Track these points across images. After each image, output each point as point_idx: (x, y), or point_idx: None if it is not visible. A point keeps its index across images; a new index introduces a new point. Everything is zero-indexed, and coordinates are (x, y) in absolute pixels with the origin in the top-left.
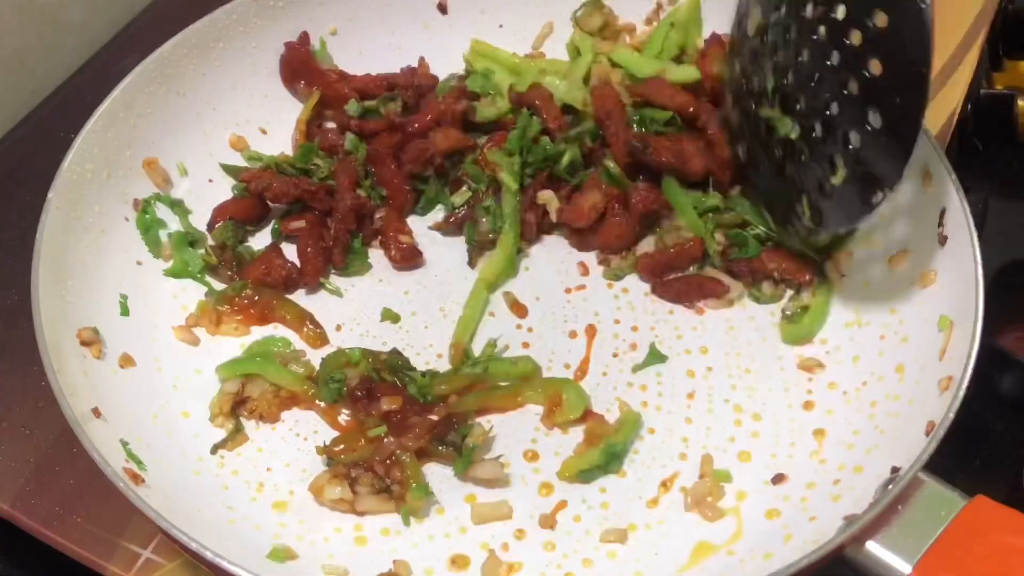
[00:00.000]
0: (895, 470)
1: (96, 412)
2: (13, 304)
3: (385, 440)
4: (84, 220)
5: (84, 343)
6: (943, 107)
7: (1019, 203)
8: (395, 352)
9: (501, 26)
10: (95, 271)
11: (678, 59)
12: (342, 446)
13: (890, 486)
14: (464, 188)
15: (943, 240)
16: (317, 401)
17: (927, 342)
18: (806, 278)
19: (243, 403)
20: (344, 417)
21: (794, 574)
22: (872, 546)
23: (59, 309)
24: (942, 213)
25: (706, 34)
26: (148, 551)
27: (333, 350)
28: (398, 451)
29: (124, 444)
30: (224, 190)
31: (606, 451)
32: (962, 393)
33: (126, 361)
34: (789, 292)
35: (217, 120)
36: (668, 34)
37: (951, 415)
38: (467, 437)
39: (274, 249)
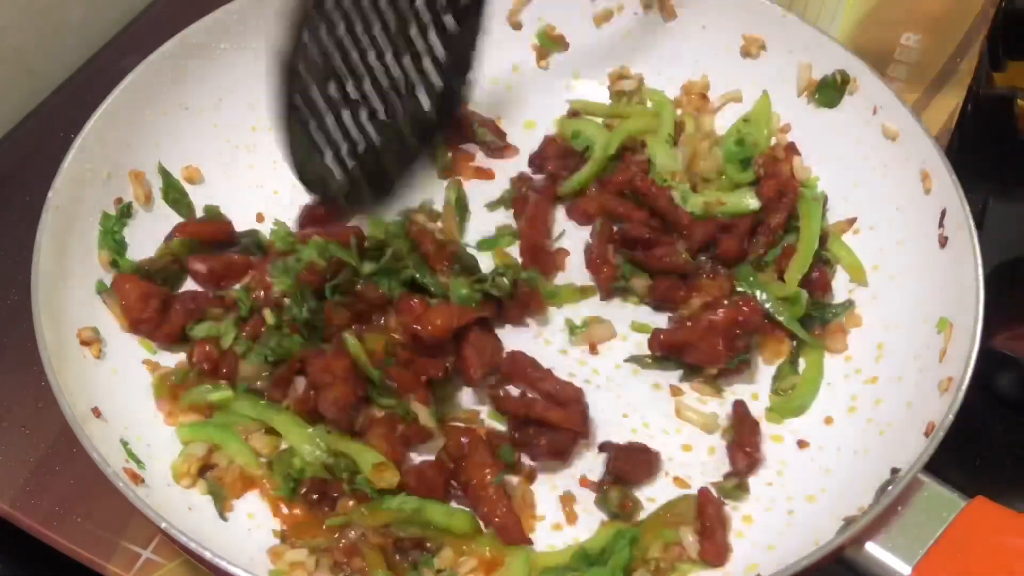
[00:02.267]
0: (895, 471)
1: (96, 412)
2: (13, 304)
3: (346, 533)
4: (84, 220)
5: (84, 343)
6: (943, 107)
7: (1019, 203)
8: (339, 454)
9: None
10: (95, 271)
11: (748, 159)
12: (299, 538)
13: (890, 487)
14: None
15: (943, 241)
16: (272, 490)
17: (927, 343)
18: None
19: (210, 468)
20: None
21: (794, 574)
22: (872, 547)
23: (59, 309)
24: (942, 213)
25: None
26: (148, 551)
27: (285, 448)
28: (359, 543)
29: (124, 444)
30: (223, 192)
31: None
32: (962, 394)
33: (152, 366)
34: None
35: (217, 120)
36: (741, 130)
37: (951, 416)
38: (435, 557)
39: (160, 288)
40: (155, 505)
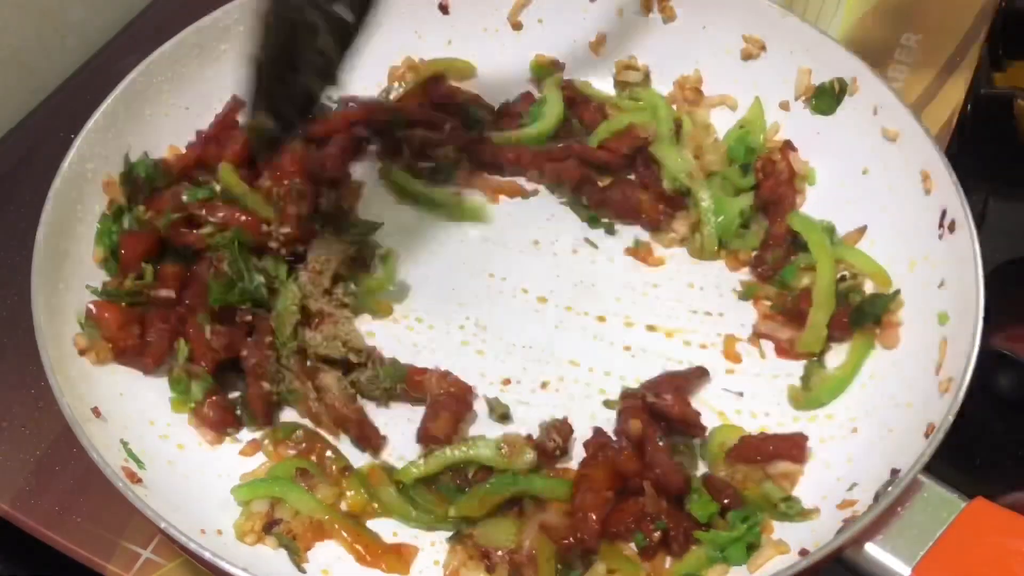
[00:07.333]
0: (895, 472)
1: (96, 412)
2: (13, 304)
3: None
4: (84, 219)
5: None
6: (943, 107)
7: (1019, 203)
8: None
9: (497, 30)
10: (95, 271)
11: (748, 164)
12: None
13: (890, 488)
14: None
15: (943, 241)
16: (344, 533)
17: (927, 343)
18: None
19: (276, 524)
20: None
21: (794, 575)
22: (871, 548)
23: (59, 309)
24: (942, 214)
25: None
26: (148, 551)
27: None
28: (535, 551)
29: (124, 444)
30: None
31: None
32: (962, 395)
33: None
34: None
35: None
36: (739, 137)
37: (951, 417)
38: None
39: (135, 310)
40: (154, 505)
